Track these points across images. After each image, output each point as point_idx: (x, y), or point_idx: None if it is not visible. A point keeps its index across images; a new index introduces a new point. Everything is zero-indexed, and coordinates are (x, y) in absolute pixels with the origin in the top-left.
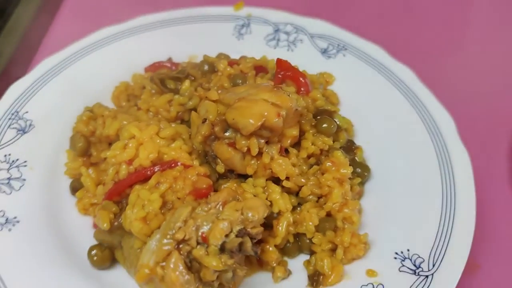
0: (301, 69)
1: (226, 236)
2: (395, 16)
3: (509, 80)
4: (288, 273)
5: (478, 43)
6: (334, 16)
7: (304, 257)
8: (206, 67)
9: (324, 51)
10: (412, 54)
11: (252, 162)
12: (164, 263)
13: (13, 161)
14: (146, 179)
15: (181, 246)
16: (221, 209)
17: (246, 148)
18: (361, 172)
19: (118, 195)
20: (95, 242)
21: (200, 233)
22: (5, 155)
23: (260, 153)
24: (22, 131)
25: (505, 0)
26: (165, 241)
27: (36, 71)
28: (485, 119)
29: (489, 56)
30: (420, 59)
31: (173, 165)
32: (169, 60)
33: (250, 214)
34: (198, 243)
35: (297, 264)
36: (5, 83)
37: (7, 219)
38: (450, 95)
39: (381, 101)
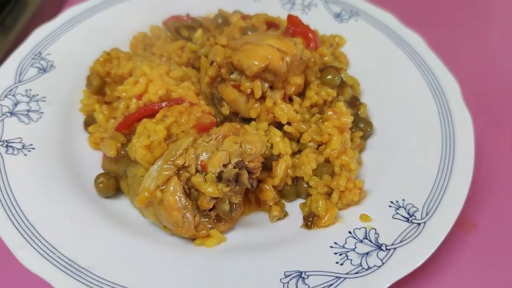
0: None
1: (224, 166)
2: None
3: None
4: (284, 214)
5: (496, 20)
6: None
7: (301, 201)
8: (220, 20)
9: (337, 16)
10: (424, 25)
11: (256, 105)
12: (163, 187)
13: (33, 95)
14: (154, 114)
15: (181, 172)
16: (221, 141)
17: (250, 90)
18: (363, 126)
19: (127, 128)
20: (102, 171)
21: (199, 162)
22: (26, 90)
23: (263, 97)
24: (44, 70)
25: None
26: (166, 166)
27: (61, 17)
28: (493, 91)
29: (503, 31)
30: (433, 30)
31: (180, 101)
32: (187, 15)
33: (248, 147)
34: (197, 171)
35: (294, 207)
36: (33, 27)
37: (23, 145)
38: (461, 67)
39: (389, 65)
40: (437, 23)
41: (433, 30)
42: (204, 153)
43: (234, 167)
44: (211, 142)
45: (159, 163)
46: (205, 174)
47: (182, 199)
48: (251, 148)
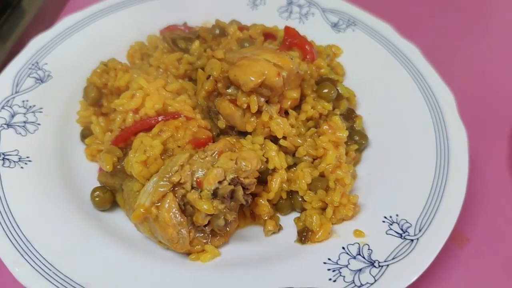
0: (310, 40)
1: (220, 182)
2: None
3: None
4: (279, 228)
5: (490, 28)
6: None
7: (296, 215)
8: (217, 31)
9: (334, 25)
10: (422, 34)
11: (252, 119)
12: (159, 204)
13: (30, 106)
14: (150, 128)
15: (176, 189)
16: (216, 158)
17: (246, 105)
18: (358, 139)
19: (124, 142)
20: (98, 185)
21: (195, 178)
22: (23, 101)
23: (259, 112)
24: (41, 80)
25: None
26: (161, 183)
27: (58, 26)
28: (489, 102)
29: (500, 42)
30: (430, 39)
31: (176, 116)
32: (184, 24)
33: (243, 164)
34: (192, 187)
35: (289, 221)
36: (30, 37)
37: (20, 157)
38: (455, 77)
39: (386, 76)
40: (432, 30)
41: (429, 37)
42: (199, 170)
43: (229, 184)
44: (207, 158)
45: (154, 179)
46: (200, 191)
47: (177, 216)
48: (247, 164)
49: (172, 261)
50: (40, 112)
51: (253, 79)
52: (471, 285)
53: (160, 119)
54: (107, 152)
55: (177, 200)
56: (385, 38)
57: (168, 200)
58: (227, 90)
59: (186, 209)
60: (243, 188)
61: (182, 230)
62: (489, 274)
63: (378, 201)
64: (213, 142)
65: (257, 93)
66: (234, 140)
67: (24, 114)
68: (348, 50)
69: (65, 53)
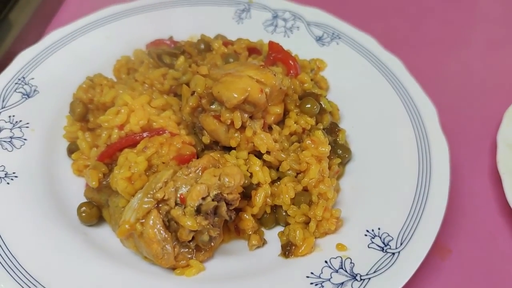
0: (294, 54)
1: (203, 199)
2: (396, 8)
3: (498, 79)
4: (263, 242)
5: (474, 41)
6: (336, 7)
7: (280, 229)
8: (202, 46)
9: (318, 39)
10: (405, 47)
11: (236, 135)
12: (143, 220)
13: (16, 121)
14: (135, 144)
15: (160, 205)
16: (200, 174)
17: (230, 121)
18: (341, 153)
19: (109, 158)
20: (85, 200)
21: (178, 195)
22: (9, 116)
23: (243, 127)
24: (27, 95)
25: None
26: (146, 199)
27: (45, 41)
28: (471, 115)
29: (482, 55)
30: (413, 52)
31: (160, 132)
32: (170, 38)
33: (226, 180)
34: (176, 204)
35: (273, 235)
36: (17, 50)
37: (6, 173)
38: (438, 89)
39: (369, 89)
40: (415, 42)
41: (411, 49)
42: (183, 186)
43: (213, 200)
44: (191, 175)
45: (139, 195)
46: (184, 207)
47: (162, 232)
48: (230, 180)
49: (157, 276)
50: (27, 127)
51: (236, 95)
52: None
53: (145, 135)
54: (93, 168)
55: (161, 216)
56: (368, 51)
57: (152, 217)
58: (211, 106)
59: (170, 225)
60: (227, 204)
61: (166, 246)
62: (471, 286)
63: (360, 214)
64: (198, 157)
65: (240, 109)
66: (218, 155)
67: (11, 129)
68: (332, 64)
69: (52, 67)
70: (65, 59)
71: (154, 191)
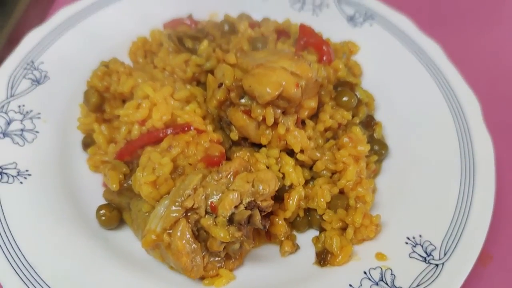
0: (325, 36)
1: (235, 207)
2: None
3: None
4: (296, 247)
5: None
6: None
7: (313, 232)
8: (226, 27)
9: (350, 19)
10: (443, 29)
11: (267, 132)
12: (171, 231)
13: (27, 112)
14: (158, 141)
15: (189, 214)
16: (232, 179)
17: (261, 117)
18: (378, 149)
19: (129, 155)
20: (104, 200)
21: (209, 202)
22: (19, 106)
23: (275, 123)
24: (37, 82)
25: None
26: (173, 208)
27: (53, 20)
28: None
29: None
30: (452, 34)
31: (186, 129)
32: (189, 17)
33: (261, 187)
34: (206, 212)
35: (306, 239)
36: (22, 32)
37: (18, 171)
38: (478, 77)
39: (405, 76)
40: (451, 25)
41: (448, 32)
42: (214, 193)
43: (246, 208)
44: (222, 180)
45: (166, 202)
46: (215, 217)
47: (191, 243)
48: (264, 188)
49: (184, 286)
50: (38, 118)
51: (269, 91)
52: None
53: (168, 132)
54: (113, 169)
55: (190, 225)
56: (405, 34)
57: (181, 227)
58: (241, 101)
59: (199, 234)
60: (260, 211)
61: (196, 257)
62: None
63: (399, 218)
64: (227, 156)
65: (273, 104)
66: (248, 154)
67: (21, 121)
68: (365, 47)
69: (62, 50)
70: (76, 40)
71: (183, 198)
